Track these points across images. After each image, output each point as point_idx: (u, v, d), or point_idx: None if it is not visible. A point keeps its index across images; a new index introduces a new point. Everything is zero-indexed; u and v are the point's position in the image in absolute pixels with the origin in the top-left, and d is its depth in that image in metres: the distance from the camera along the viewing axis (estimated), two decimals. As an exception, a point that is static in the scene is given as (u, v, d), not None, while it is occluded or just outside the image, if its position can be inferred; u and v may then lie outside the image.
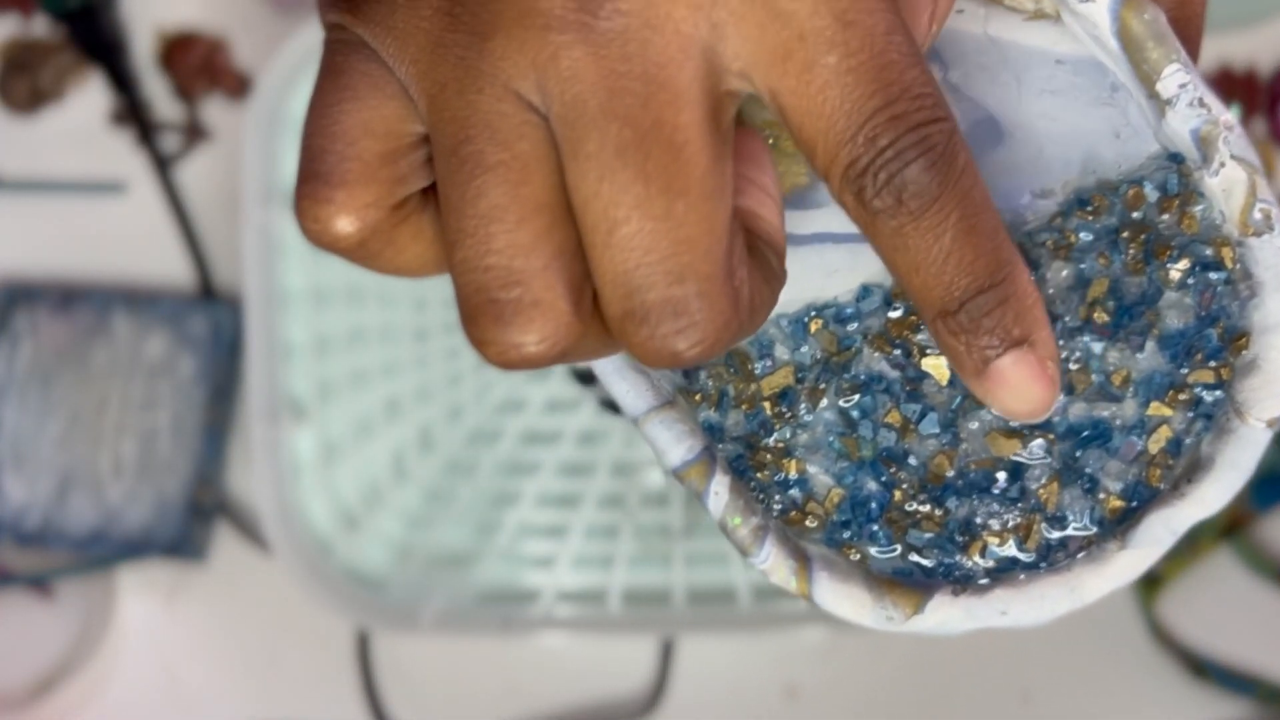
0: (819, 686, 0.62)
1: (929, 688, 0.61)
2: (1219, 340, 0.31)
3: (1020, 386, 0.27)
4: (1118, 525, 0.32)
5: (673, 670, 0.61)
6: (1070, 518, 0.32)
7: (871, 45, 0.24)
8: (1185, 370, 0.31)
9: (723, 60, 0.24)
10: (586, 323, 0.26)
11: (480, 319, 0.25)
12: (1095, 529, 0.32)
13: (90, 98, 0.66)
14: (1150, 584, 0.60)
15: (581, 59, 0.24)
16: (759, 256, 0.27)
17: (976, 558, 0.32)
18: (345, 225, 0.26)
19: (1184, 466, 0.31)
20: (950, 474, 0.31)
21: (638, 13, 0.24)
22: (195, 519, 0.61)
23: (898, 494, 0.31)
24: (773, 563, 0.31)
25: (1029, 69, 0.32)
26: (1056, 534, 0.32)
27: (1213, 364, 0.31)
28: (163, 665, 0.62)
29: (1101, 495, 0.31)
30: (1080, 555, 0.32)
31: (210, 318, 0.62)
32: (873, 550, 0.32)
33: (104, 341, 0.62)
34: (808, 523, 0.32)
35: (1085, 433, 0.31)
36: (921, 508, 0.31)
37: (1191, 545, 0.60)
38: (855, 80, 0.24)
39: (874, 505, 0.32)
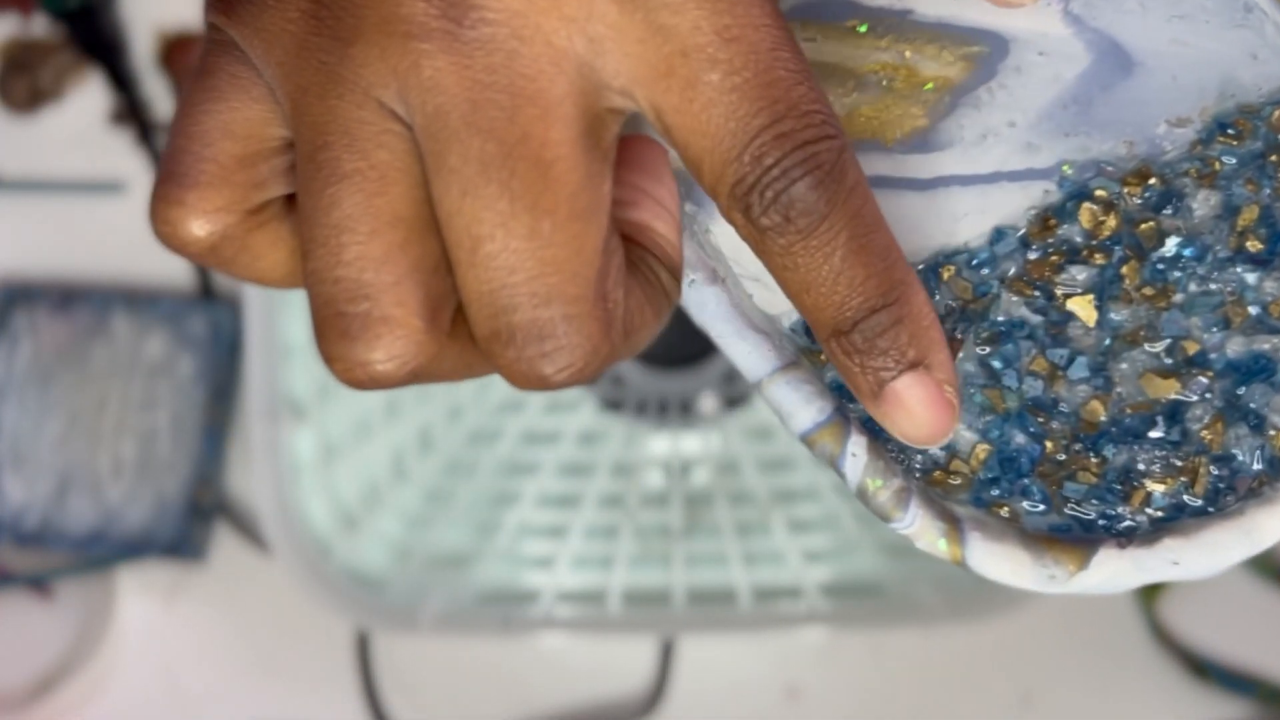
0: (819, 687, 0.61)
1: (929, 688, 0.61)
2: None
3: (916, 410, 0.26)
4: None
5: (673, 671, 0.61)
6: (1239, 457, 0.30)
7: (756, 62, 0.23)
8: None
9: (602, 76, 0.24)
10: (443, 341, 0.25)
11: (328, 333, 0.24)
12: (1265, 468, 0.30)
13: (90, 97, 0.66)
14: (1150, 585, 0.60)
15: (444, 68, 0.23)
16: (646, 274, 0.26)
17: (1141, 507, 0.30)
18: (196, 229, 0.25)
19: None
20: (1104, 420, 0.30)
21: (505, 23, 0.23)
22: (195, 519, 0.61)
23: (1049, 445, 0.30)
24: (919, 526, 0.29)
25: None
26: (1225, 476, 0.30)
27: None
28: (162, 665, 0.62)
29: (1271, 432, 0.30)
30: (1250, 497, 0.30)
31: (210, 317, 0.62)
32: (1025, 506, 0.30)
33: (103, 341, 0.62)
34: (952, 481, 0.30)
35: (1246, 368, 0.30)
36: (1077, 458, 0.30)
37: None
38: (740, 98, 0.23)
39: (1024, 459, 0.30)
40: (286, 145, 0.25)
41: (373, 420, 0.59)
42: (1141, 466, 0.30)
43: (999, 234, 0.30)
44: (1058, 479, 0.30)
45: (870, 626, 0.60)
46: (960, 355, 0.30)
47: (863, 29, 0.31)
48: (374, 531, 0.59)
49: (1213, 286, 0.30)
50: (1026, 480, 0.30)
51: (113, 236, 0.65)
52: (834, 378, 0.30)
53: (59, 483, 0.61)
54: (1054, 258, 0.30)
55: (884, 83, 0.30)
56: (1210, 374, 0.30)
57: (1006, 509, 0.30)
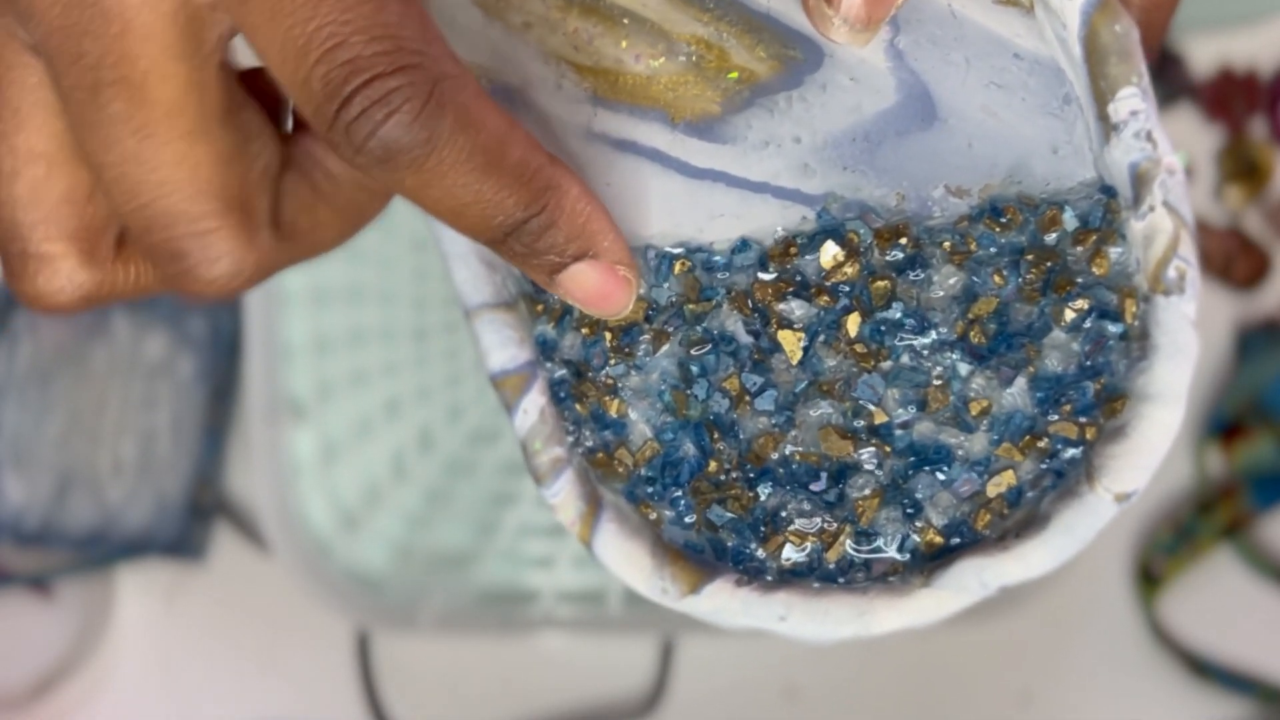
0: (818, 687, 0.61)
1: (929, 688, 0.61)
2: (1094, 397, 0.28)
3: (591, 291, 0.26)
4: (929, 561, 0.29)
5: (672, 671, 0.61)
6: (882, 539, 0.29)
7: None
8: (1050, 418, 0.29)
9: None
10: (108, 265, 0.25)
11: (4, 273, 0.25)
12: (904, 558, 0.29)
13: (90, 97, 0.66)
14: (1151, 584, 0.60)
15: None
16: (312, 172, 0.25)
17: (775, 553, 0.29)
18: (66, 296, 0.25)
19: (1018, 520, 0.29)
20: (773, 459, 0.29)
21: None
22: (195, 519, 0.61)
23: (713, 465, 0.29)
24: (563, 499, 0.29)
25: (984, 55, 0.29)
26: (863, 552, 0.29)
27: (1081, 419, 0.29)
28: (162, 665, 0.62)
29: (920, 524, 0.29)
30: (879, 581, 0.29)
31: (209, 317, 0.62)
32: (669, 515, 0.30)
33: (103, 341, 0.62)
34: (614, 468, 0.30)
35: (924, 455, 0.29)
36: (734, 486, 0.29)
37: (1192, 545, 0.60)
38: (309, 22, 0.22)
39: (685, 470, 0.29)
40: None
41: (373, 420, 0.59)
42: (788, 514, 0.29)
43: (744, 244, 0.30)
44: (709, 500, 0.30)
45: (870, 626, 0.60)
46: (664, 349, 0.30)
47: None
48: (374, 531, 0.59)
49: (924, 365, 0.29)
50: (680, 491, 0.30)
51: (113, 236, 0.65)
52: (543, 332, 0.30)
53: (59, 482, 0.61)
54: (783, 285, 0.29)
55: (693, 58, 0.29)
56: (888, 449, 0.29)
57: (654, 512, 0.30)
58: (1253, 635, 0.60)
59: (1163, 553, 0.60)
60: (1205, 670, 0.59)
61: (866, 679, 0.61)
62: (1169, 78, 0.63)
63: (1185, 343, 0.28)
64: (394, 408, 0.59)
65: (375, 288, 0.60)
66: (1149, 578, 0.60)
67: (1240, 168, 0.62)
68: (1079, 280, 0.29)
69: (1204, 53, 0.63)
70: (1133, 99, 0.28)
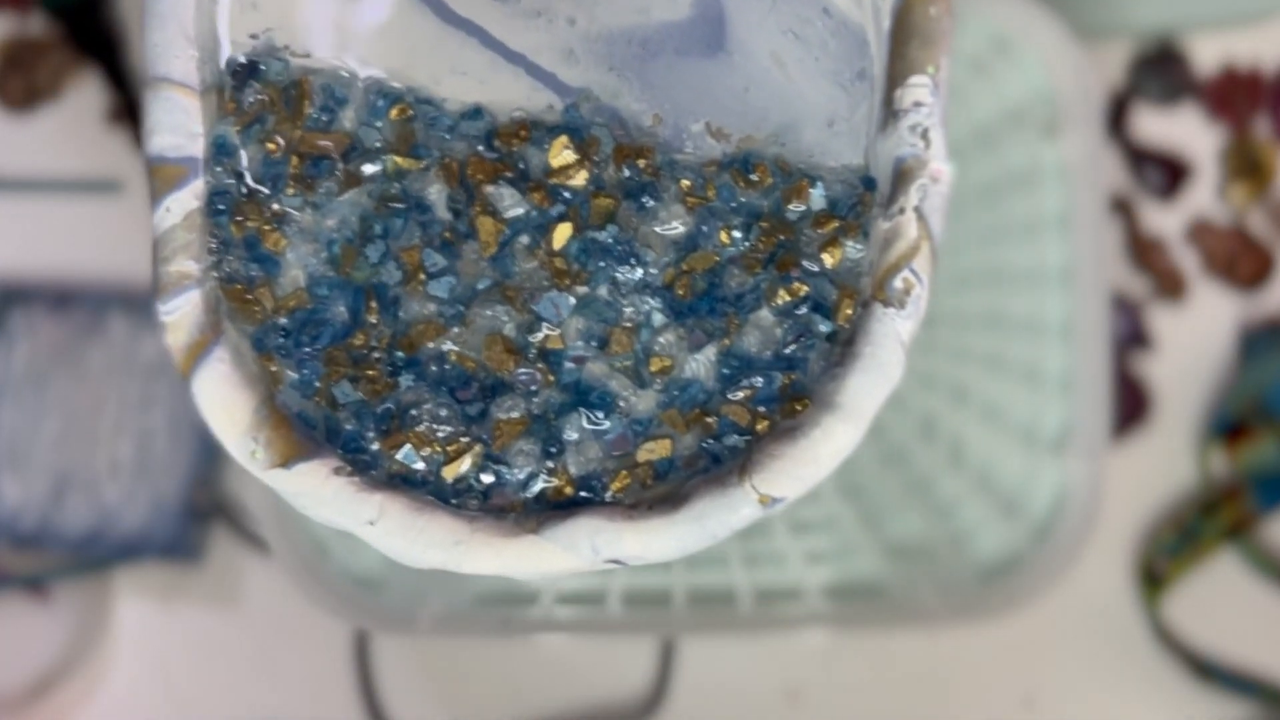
0: (820, 690, 0.61)
1: (931, 691, 0.61)
2: (779, 390, 0.27)
3: None
4: (549, 508, 0.27)
5: (673, 673, 0.61)
6: (510, 469, 0.27)
7: None
8: (728, 398, 0.27)
9: None
10: None
11: None
12: (525, 497, 0.27)
13: (87, 96, 0.66)
14: (1154, 585, 0.60)
15: None
16: None
17: (390, 451, 0.27)
18: None
19: (657, 494, 0.27)
20: (428, 350, 0.27)
21: None
22: (192, 520, 0.60)
23: (359, 338, 0.27)
24: (178, 319, 0.27)
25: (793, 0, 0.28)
26: (484, 479, 0.27)
27: (758, 409, 0.27)
28: (159, 667, 0.62)
29: (555, 466, 0.27)
30: (492, 514, 0.27)
31: (208, 317, 0.62)
32: (293, 376, 0.27)
33: (100, 341, 0.62)
34: (250, 306, 0.27)
35: (586, 397, 0.27)
36: (373, 367, 0.27)
37: (1195, 546, 0.59)
38: None
39: (327, 334, 0.27)
40: None
41: (371, 421, 0.59)
42: (420, 415, 0.27)
43: (476, 112, 0.27)
44: (341, 373, 0.27)
45: (871, 628, 0.59)
46: (350, 195, 0.27)
47: None
48: (372, 532, 0.58)
49: (620, 302, 0.27)
50: (313, 354, 0.27)
51: (109, 236, 0.64)
52: (224, 132, 0.27)
53: (55, 483, 0.61)
54: (501, 168, 0.27)
55: None
56: (551, 379, 0.27)
57: (277, 367, 0.27)
58: (1256, 636, 0.60)
59: (1166, 554, 0.60)
60: (1208, 671, 0.59)
61: (868, 682, 0.61)
62: (1172, 77, 0.63)
63: (888, 361, 0.26)
64: (393, 408, 0.59)
65: (374, 287, 0.59)
66: (1152, 579, 0.60)
67: (1244, 167, 0.62)
68: (804, 264, 0.27)
69: (1207, 52, 0.63)
70: (922, 89, 0.27)
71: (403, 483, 0.27)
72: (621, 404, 0.27)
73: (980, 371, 0.56)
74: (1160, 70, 0.63)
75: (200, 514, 0.61)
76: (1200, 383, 0.62)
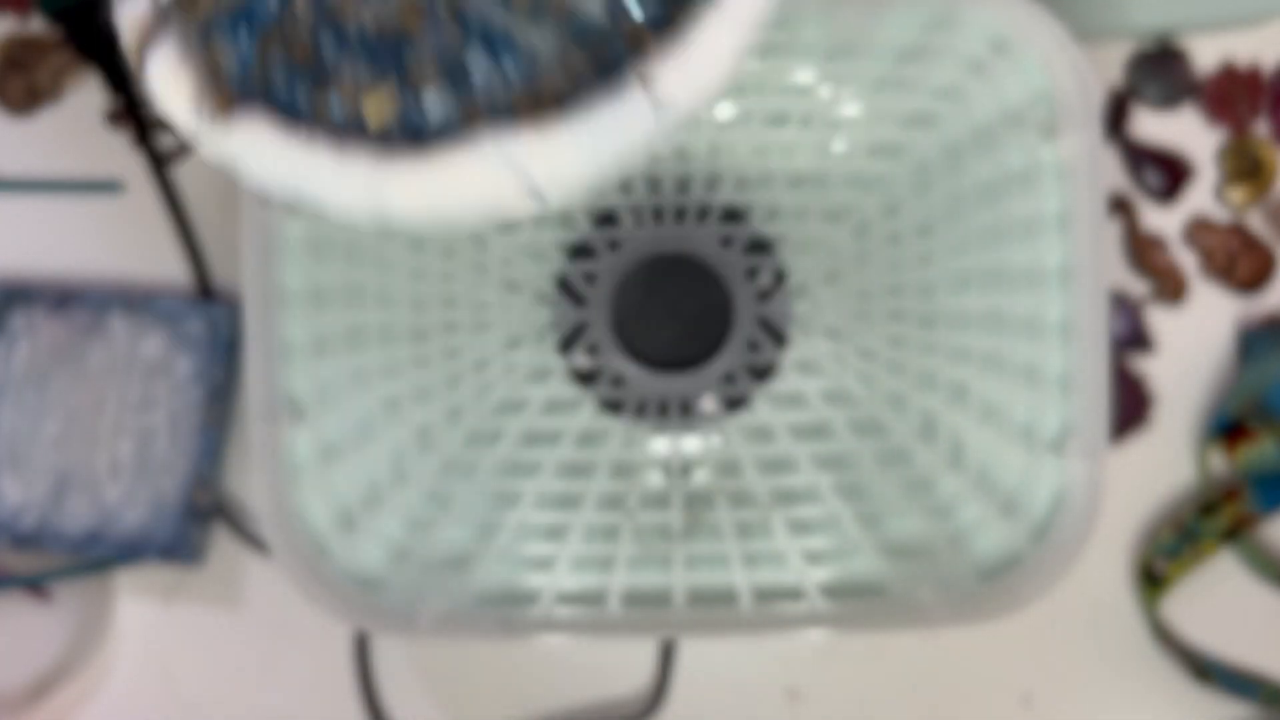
0: (820, 689, 0.61)
1: (930, 690, 0.61)
2: (668, 11, 0.29)
3: None
4: (461, 126, 0.29)
5: (673, 672, 0.61)
6: (428, 103, 0.29)
7: None
8: (619, 26, 0.29)
9: None
10: None
11: None
12: (437, 124, 0.29)
13: (87, 96, 0.66)
14: (1153, 585, 0.60)
15: None
16: None
17: (321, 101, 0.29)
18: None
19: (561, 111, 0.29)
20: (350, 21, 0.29)
21: None
22: (193, 520, 0.60)
23: (289, 20, 0.29)
24: (133, 19, 0.29)
25: None
26: (405, 116, 0.29)
27: (649, 30, 0.29)
28: (160, 667, 0.62)
29: (465, 95, 0.29)
30: (410, 141, 0.29)
31: (208, 318, 0.62)
32: (231, 56, 0.29)
33: (101, 341, 0.62)
34: (194, 3, 0.29)
35: (490, 39, 0.29)
36: (302, 33, 0.29)
37: (1194, 547, 0.59)
38: None
39: (260, 16, 0.29)
40: None
41: (372, 420, 0.59)
42: (341, 70, 0.29)
43: None
44: (273, 49, 0.29)
45: (871, 628, 0.59)
46: None
47: None
48: (373, 532, 0.58)
49: None
50: (248, 33, 0.29)
51: (110, 236, 0.65)
52: None
53: (56, 484, 0.61)
54: None
55: None
56: (458, 28, 0.29)
57: (219, 47, 0.29)
58: (1255, 637, 0.60)
59: (1165, 554, 0.60)
60: (1208, 672, 0.59)
61: (868, 682, 0.61)
62: (1172, 77, 0.63)
63: None
64: (393, 408, 0.59)
65: (374, 288, 0.59)
66: (1151, 579, 0.60)
67: (1243, 167, 0.62)
68: None
69: (1207, 52, 0.63)
70: None
71: (344, 129, 0.30)
72: (522, 42, 0.29)
73: (980, 371, 0.56)
74: (1160, 70, 0.63)
75: (200, 514, 0.61)
76: (1200, 383, 0.62)
